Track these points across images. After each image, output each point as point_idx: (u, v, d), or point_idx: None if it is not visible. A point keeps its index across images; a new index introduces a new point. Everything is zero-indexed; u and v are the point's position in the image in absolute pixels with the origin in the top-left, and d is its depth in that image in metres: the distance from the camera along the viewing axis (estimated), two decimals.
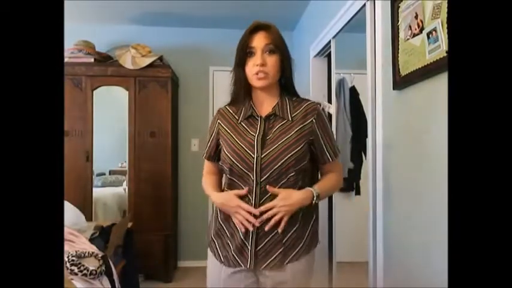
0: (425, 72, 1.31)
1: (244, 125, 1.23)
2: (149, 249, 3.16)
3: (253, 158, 1.15)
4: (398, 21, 1.50)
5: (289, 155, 1.14)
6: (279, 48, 1.19)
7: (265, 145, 1.16)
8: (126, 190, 3.41)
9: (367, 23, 1.88)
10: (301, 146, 1.16)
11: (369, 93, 1.84)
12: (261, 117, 1.22)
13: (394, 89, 1.57)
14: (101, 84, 3.31)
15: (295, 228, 1.20)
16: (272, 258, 1.18)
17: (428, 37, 1.27)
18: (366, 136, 1.92)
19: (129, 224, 2.49)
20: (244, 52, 1.21)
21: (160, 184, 3.32)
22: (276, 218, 1.14)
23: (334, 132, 2.90)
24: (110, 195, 3.58)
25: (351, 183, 3.45)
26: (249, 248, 1.18)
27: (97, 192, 3.39)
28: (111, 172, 3.84)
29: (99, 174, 3.70)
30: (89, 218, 3.06)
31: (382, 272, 1.70)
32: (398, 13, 1.50)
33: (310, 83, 3.05)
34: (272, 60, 1.19)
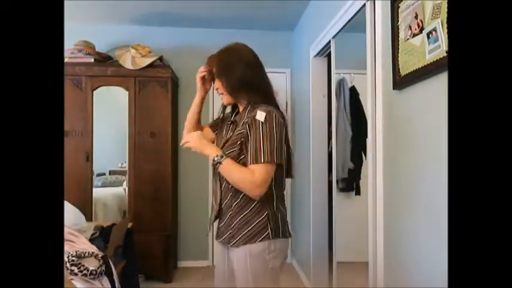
0: (425, 72, 1.31)
1: (225, 126, 1.53)
2: (149, 249, 3.16)
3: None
4: (398, 21, 1.50)
5: (228, 152, 1.37)
6: (220, 73, 1.44)
7: (222, 144, 1.43)
8: (126, 190, 3.41)
9: (367, 23, 1.88)
10: (237, 146, 1.37)
11: (368, 93, 1.84)
12: (230, 121, 1.49)
13: (394, 89, 1.57)
14: (101, 84, 3.31)
15: (242, 215, 1.37)
16: (223, 237, 1.43)
17: (428, 37, 1.27)
18: (366, 136, 1.92)
19: (129, 224, 2.49)
20: None
21: (160, 184, 3.32)
22: (183, 142, 1.46)
23: (334, 132, 2.91)
24: (110, 195, 3.58)
25: (351, 183, 3.46)
26: (218, 224, 1.48)
27: (97, 192, 3.39)
28: (111, 172, 3.84)
29: (99, 175, 3.70)
30: (89, 218, 3.06)
31: (382, 272, 1.70)
32: (398, 13, 1.50)
33: (310, 83, 3.05)
34: (219, 84, 1.46)
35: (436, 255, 1.29)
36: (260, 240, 1.34)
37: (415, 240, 1.44)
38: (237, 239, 1.37)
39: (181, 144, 1.48)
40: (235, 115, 1.51)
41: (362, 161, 3.33)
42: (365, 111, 2.08)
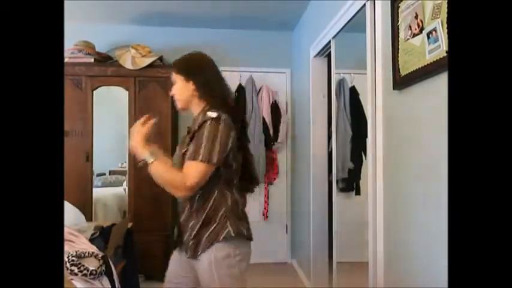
0: (425, 72, 1.31)
1: (185, 137, 1.53)
2: (149, 249, 3.16)
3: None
4: (398, 21, 1.50)
5: (184, 155, 1.39)
6: (177, 79, 1.48)
7: (181, 155, 1.44)
8: (126, 190, 3.41)
9: (367, 23, 1.88)
10: (187, 148, 1.39)
11: (368, 93, 1.84)
12: (188, 131, 1.51)
13: (394, 89, 1.57)
14: (101, 84, 3.31)
15: (200, 222, 1.39)
16: (187, 250, 1.43)
17: (428, 37, 1.27)
18: (366, 136, 1.91)
19: (129, 224, 2.49)
20: None
21: (159, 185, 3.31)
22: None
23: (334, 132, 2.90)
24: (110, 195, 3.58)
25: (351, 183, 3.45)
26: (180, 237, 1.48)
27: (97, 192, 3.38)
28: (111, 172, 3.84)
29: (99, 175, 3.70)
30: (89, 218, 3.06)
31: (382, 272, 1.70)
32: (398, 13, 1.50)
33: (310, 83, 3.05)
34: (174, 89, 1.51)
35: (436, 255, 1.29)
36: (222, 239, 1.36)
37: (415, 240, 1.44)
38: (201, 245, 1.38)
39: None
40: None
41: (362, 161, 3.32)
42: (365, 111, 2.08)
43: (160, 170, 1.37)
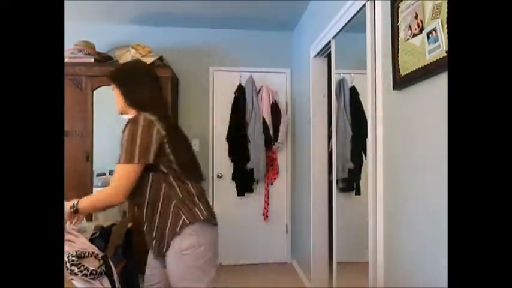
0: (425, 72, 1.31)
1: None
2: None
3: None
4: (398, 21, 1.50)
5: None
6: (113, 86, 1.60)
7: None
8: None
9: (367, 23, 1.88)
10: None
11: (368, 93, 1.84)
12: None
13: (394, 89, 1.57)
14: (101, 84, 3.30)
15: (157, 220, 1.45)
16: (155, 250, 1.50)
17: (428, 37, 1.27)
18: (366, 136, 1.91)
19: (129, 224, 2.49)
20: None
21: None
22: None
23: (334, 132, 2.90)
24: None
25: (351, 183, 3.45)
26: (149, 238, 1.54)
27: None
28: (111, 172, 3.83)
29: (99, 175, 3.69)
30: (89, 218, 3.05)
31: (382, 272, 1.70)
32: (398, 13, 1.50)
33: (310, 83, 3.05)
34: (115, 94, 1.61)
35: (436, 255, 1.29)
36: (180, 230, 1.40)
37: (415, 240, 1.44)
38: (164, 241, 1.43)
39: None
40: None
41: (362, 161, 3.31)
42: (365, 111, 2.08)
43: (87, 200, 1.47)
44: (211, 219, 1.48)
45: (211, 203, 3.58)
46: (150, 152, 1.39)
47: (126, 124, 1.43)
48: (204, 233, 1.44)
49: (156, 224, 1.46)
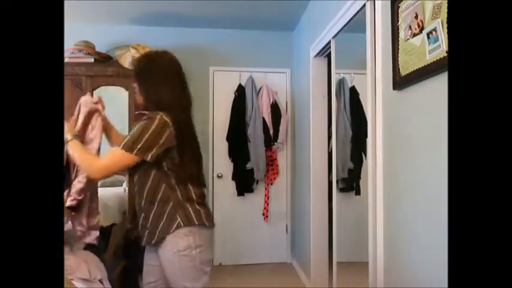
0: (426, 72, 1.31)
1: None
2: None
3: None
4: (398, 21, 1.50)
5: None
6: (137, 77, 1.54)
7: None
8: (126, 190, 3.41)
9: (367, 23, 1.88)
10: None
11: (369, 93, 1.84)
12: None
13: (394, 89, 1.57)
14: (101, 84, 3.30)
15: (152, 214, 1.47)
16: (144, 237, 1.52)
17: (428, 37, 1.27)
18: (366, 136, 1.91)
19: (129, 224, 2.49)
20: None
21: None
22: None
23: (334, 132, 2.91)
24: (110, 195, 3.58)
25: (351, 183, 3.45)
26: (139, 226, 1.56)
27: None
28: None
29: None
30: None
31: (382, 272, 1.70)
32: (398, 13, 1.50)
33: (310, 83, 3.05)
34: (135, 85, 1.56)
35: (436, 256, 1.29)
36: (174, 230, 1.43)
37: (415, 240, 1.44)
38: (155, 235, 1.46)
39: None
40: None
41: (362, 161, 3.31)
42: (365, 111, 2.08)
43: (76, 149, 1.43)
44: (207, 223, 1.50)
45: (211, 203, 3.60)
46: (152, 151, 1.39)
47: (138, 119, 1.45)
48: (200, 234, 1.47)
49: (151, 219, 1.48)
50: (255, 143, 3.66)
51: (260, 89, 3.81)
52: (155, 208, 1.47)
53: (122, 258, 2.31)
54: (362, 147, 3.23)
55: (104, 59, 3.40)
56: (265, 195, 3.86)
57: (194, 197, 1.50)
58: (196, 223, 1.45)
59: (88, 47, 3.31)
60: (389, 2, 1.59)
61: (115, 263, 1.96)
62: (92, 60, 3.28)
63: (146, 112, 1.47)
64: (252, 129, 3.66)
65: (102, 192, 3.54)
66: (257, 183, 3.84)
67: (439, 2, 1.21)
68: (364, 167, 3.16)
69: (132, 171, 1.50)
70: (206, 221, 1.49)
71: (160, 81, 1.50)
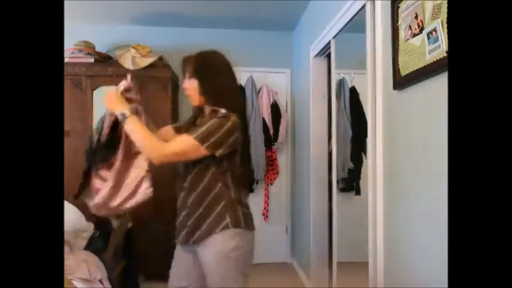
0: (426, 72, 1.31)
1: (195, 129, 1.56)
2: (149, 249, 3.15)
3: None
4: (398, 21, 1.50)
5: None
6: (195, 74, 1.48)
7: None
8: None
9: (367, 23, 1.88)
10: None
11: (369, 93, 1.84)
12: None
13: (394, 89, 1.57)
14: (101, 84, 3.30)
15: (199, 210, 1.43)
16: (182, 235, 1.47)
17: (428, 37, 1.27)
18: (366, 136, 1.91)
19: (129, 224, 2.49)
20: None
21: (160, 184, 3.31)
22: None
23: (334, 132, 2.91)
24: None
25: (351, 183, 3.45)
26: (177, 224, 1.52)
27: None
28: None
29: None
30: (89, 218, 3.05)
31: (382, 272, 1.70)
32: (398, 13, 1.50)
33: (310, 83, 3.05)
34: (190, 85, 1.50)
35: (436, 256, 1.29)
36: (221, 230, 1.40)
37: (415, 240, 1.44)
38: (196, 234, 1.42)
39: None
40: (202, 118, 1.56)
41: (362, 161, 3.32)
42: (365, 111, 2.08)
43: (136, 127, 1.37)
44: (251, 226, 1.51)
45: None
46: (222, 148, 1.38)
47: (214, 116, 1.41)
48: (245, 236, 1.46)
49: (197, 215, 1.44)
50: (255, 143, 3.66)
51: (260, 89, 3.80)
52: (204, 206, 1.44)
53: (122, 258, 2.31)
54: (362, 147, 3.23)
55: (104, 59, 3.40)
56: (265, 195, 3.86)
57: (243, 199, 1.50)
58: (243, 226, 1.45)
59: (88, 47, 3.31)
60: (390, 2, 1.59)
61: (115, 263, 1.96)
62: (92, 60, 3.28)
63: (222, 110, 1.43)
64: (252, 129, 3.66)
65: None
66: (257, 183, 3.84)
67: (439, 2, 1.21)
68: (364, 167, 3.17)
69: (190, 165, 1.45)
70: (251, 224, 1.50)
71: (224, 81, 1.49)
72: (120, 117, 1.39)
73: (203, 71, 1.48)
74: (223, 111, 1.43)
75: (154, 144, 1.36)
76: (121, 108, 1.41)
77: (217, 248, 1.41)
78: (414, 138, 1.45)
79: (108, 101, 1.45)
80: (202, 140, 1.35)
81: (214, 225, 1.41)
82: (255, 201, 3.85)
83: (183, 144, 1.37)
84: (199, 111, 1.58)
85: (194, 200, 1.45)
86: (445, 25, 1.17)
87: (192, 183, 1.46)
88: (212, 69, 1.49)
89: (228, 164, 1.45)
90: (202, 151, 1.36)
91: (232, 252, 1.41)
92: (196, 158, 1.39)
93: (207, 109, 1.51)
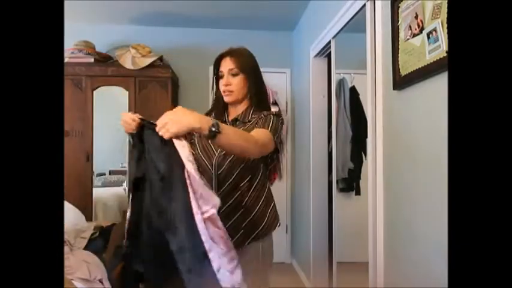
0: (426, 72, 1.31)
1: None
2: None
3: (216, 152, 1.40)
4: (398, 21, 1.50)
5: None
6: (242, 70, 1.43)
7: None
8: (127, 190, 3.41)
9: (367, 23, 1.88)
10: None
11: (369, 93, 1.84)
12: (228, 121, 1.49)
13: (394, 89, 1.57)
14: (101, 84, 3.31)
15: (255, 212, 1.40)
16: (236, 237, 1.35)
17: (428, 37, 1.27)
18: (366, 136, 1.91)
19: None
20: (216, 75, 1.49)
21: None
22: (162, 133, 1.01)
23: (334, 132, 2.91)
24: (110, 195, 3.58)
25: (351, 183, 3.46)
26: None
27: (97, 192, 3.38)
28: (111, 172, 3.84)
29: (99, 175, 3.69)
30: (89, 218, 3.05)
31: (382, 272, 1.70)
32: (398, 13, 1.50)
33: (310, 83, 3.05)
34: (235, 81, 1.43)
35: (436, 255, 1.29)
36: (271, 232, 1.44)
37: (415, 240, 1.44)
38: (252, 236, 1.39)
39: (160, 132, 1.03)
40: (232, 116, 1.50)
41: (362, 161, 3.32)
42: (365, 112, 2.08)
43: (231, 130, 1.14)
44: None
45: None
46: (277, 145, 1.37)
47: (268, 113, 1.37)
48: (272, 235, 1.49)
49: (250, 218, 1.39)
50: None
51: None
52: (259, 205, 1.42)
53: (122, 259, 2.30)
54: (362, 147, 3.23)
55: (104, 59, 3.40)
56: None
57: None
58: (277, 226, 1.50)
59: (88, 47, 3.31)
60: (389, 2, 1.59)
61: (115, 263, 1.96)
62: (92, 60, 3.28)
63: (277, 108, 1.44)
64: None
65: (103, 192, 3.57)
66: None
67: (439, 2, 1.21)
68: (364, 167, 3.17)
69: (248, 162, 1.38)
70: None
71: (263, 81, 1.51)
72: (208, 133, 1.04)
73: (254, 69, 1.47)
74: (276, 110, 1.44)
75: (250, 139, 1.19)
76: (207, 122, 1.05)
77: (269, 245, 1.45)
78: (414, 138, 1.45)
79: (183, 117, 1.03)
80: (273, 134, 1.31)
81: (271, 223, 1.45)
82: None
83: (267, 138, 1.26)
84: (233, 108, 1.50)
85: (248, 201, 1.39)
86: (445, 25, 1.17)
87: (248, 182, 1.40)
88: (258, 68, 1.49)
89: (271, 161, 1.51)
90: (273, 145, 1.31)
91: (270, 255, 1.47)
92: (267, 153, 1.32)
93: (249, 107, 1.45)
